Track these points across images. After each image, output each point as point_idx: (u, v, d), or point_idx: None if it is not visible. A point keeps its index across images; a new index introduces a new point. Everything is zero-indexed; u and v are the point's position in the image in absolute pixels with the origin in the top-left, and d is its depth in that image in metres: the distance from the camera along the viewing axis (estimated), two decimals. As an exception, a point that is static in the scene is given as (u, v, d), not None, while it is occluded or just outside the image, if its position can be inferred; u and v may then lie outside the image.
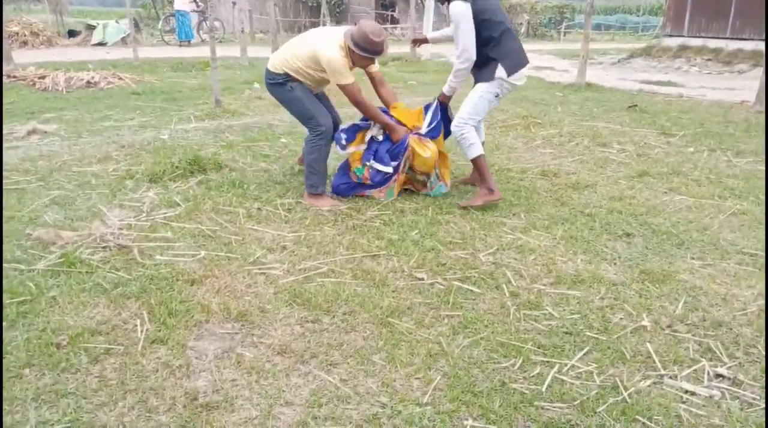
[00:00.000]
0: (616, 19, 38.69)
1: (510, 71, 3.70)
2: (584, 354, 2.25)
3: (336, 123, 4.06)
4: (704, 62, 13.36)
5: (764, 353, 2.27)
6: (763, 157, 5.11)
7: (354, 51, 3.60)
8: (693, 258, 3.13)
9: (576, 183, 4.38)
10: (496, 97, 3.80)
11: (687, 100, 8.69)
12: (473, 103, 3.81)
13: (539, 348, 2.29)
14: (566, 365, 2.18)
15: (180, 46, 16.56)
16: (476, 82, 3.86)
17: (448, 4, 3.68)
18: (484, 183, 3.85)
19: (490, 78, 3.73)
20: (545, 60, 16.19)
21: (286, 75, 3.73)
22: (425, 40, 4.47)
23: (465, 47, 3.61)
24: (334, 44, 3.61)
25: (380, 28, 3.64)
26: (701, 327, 2.46)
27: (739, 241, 3.34)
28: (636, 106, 7.77)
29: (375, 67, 3.90)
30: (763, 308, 2.59)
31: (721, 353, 2.27)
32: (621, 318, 2.51)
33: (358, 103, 3.76)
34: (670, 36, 14.83)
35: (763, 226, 3.55)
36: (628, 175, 4.62)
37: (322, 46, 3.59)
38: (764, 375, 2.14)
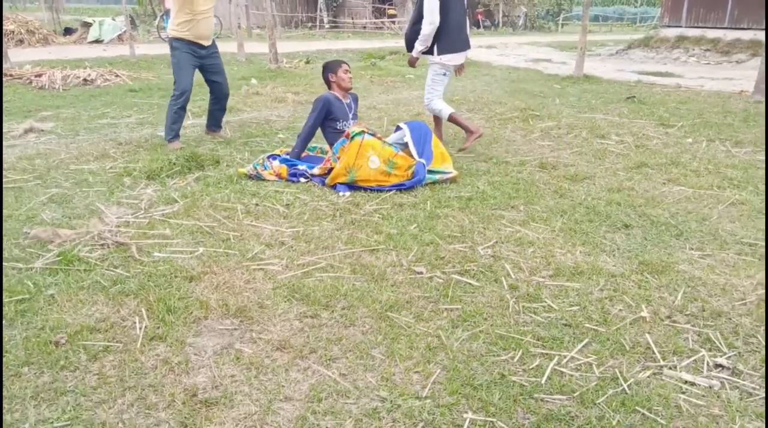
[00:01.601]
0: (613, 10, 38.62)
1: (442, 53, 4.89)
2: (583, 346, 2.25)
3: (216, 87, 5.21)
4: (702, 52, 13.33)
5: (764, 342, 2.27)
6: (763, 146, 5.10)
7: None
8: (692, 249, 3.12)
9: (574, 175, 4.37)
10: (444, 75, 5.05)
11: (685, 91, 8.67)
12: (430, 83, 5.09)
13: (538, 340, 2.29)
14: (565, 357, 2.18)
15: None
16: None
17: None
18: (466, 131, 4.96)
19: (432, 62, 5.00)
20: (543, 52, 16.16)
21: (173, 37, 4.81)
22: (416, 59, 5.20)
23: (431, 15, 4.65)
24: None
25: None
26: (700, 317, 2.46)
27: (738, 231, 3.34)
28: (634, 97, 7.76)
29: None
30: (763, 298, 2.58)
31: (720, 343, 2.27)
32: (620, 310, 2.51)
33: None
34: (668, 26, 14.80)
35: (763, 216, 3.55)
36: (626, 167, 4.62)
37: None
38: (764, 364, 2.14)
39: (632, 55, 14.60)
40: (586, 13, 10.07)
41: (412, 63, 5.20)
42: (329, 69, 4.46)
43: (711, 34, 13.60)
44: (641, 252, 3.06)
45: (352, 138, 3.96)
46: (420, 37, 4.80)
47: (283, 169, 4.22)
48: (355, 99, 4.68)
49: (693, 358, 2.19)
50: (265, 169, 4.21)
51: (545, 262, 2.96)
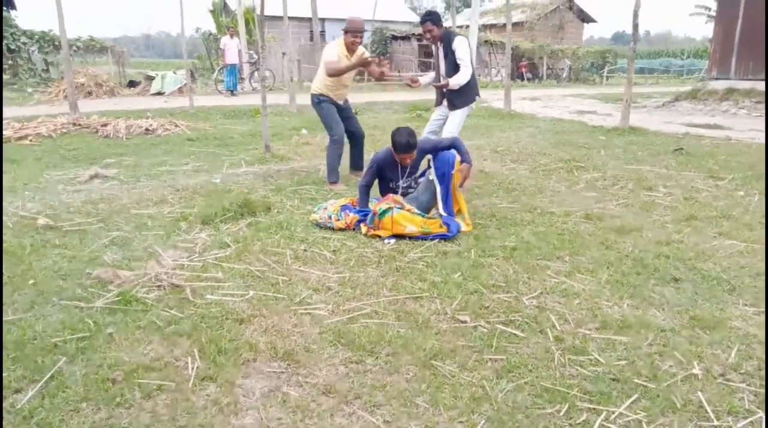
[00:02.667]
0: (659, 63, 38.46)
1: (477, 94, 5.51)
2: (632, 402, 2.21)
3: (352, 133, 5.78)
4: (753, 105, 13.09)
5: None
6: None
7: (344, 35, 5.31)
8: (746, 305, 3.04)
9: (621, 227, 4.33)
10: (467, 116, 5.54)
11: (735, 143, 8.52)
12: (458, 123, 5.41)
13: (585, 394, 2.26)
14: (613, 413, 2.14)
15: (231, 94, 17.17)
16: (454, 105, 5.38)
17: (441, 42, 5.25)
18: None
19: (468, 103, 5.41)
20: (587, 104, 16.16)
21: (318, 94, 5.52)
22: (418, 83, 5.51)
23: (470, 64, 5.21)
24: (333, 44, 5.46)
25: (357, 17, 5.44)
26: (756, 376, 2.38)
27: (794, 288, 3.23)
28: (682, 149, 7.67)
29: (362, 51, 5.52)
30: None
31: (777, 404, 2.19)
32: (670, 366, 2.46)
33: (334, 70, 5.26)
34: (717, 79, 14.65)
35: (821, 273, 3.43)
36: (675, 219, 4.55)
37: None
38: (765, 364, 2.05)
39: (679, 107, 14.44)
40: (631, 65, 10.10)
41: (442, 86, 5.36)
42: (395, 144, 4.35)
43: (761, 86, 13.37)
44: (692, 307, 3.00)
45: (381, 215, 4.04)
46: (463, 77, 5.18)
47: (354, 219, 4.28)
48: (414, 167, 4.61)
49: (750, 419, 2.12)
50: (340, 219, 4.29)
51: (591, 315, 2.93)
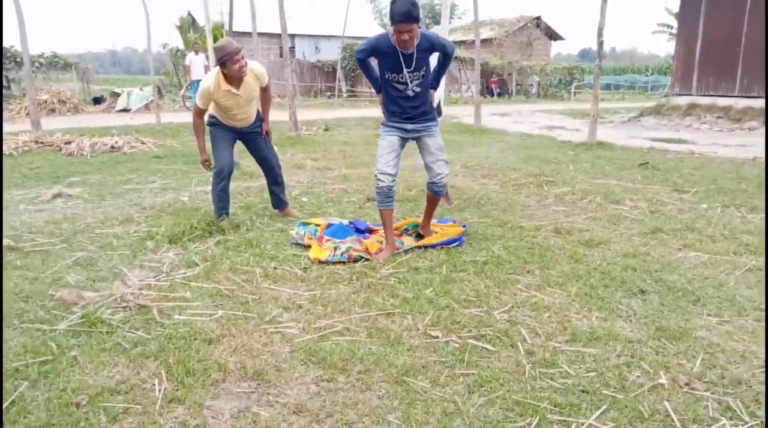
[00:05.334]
0: (625, 79, 39.44)
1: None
2: (601, 413, 2.23)
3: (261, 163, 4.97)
4: (714, 120, 13.50)
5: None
6: (778, 212, 5.11)
7: (223, 68, 4.26)
8: (710, 315, 3.11)
9: (589, 240, 4.40)
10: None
11: (699, 157, 8.76)
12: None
13: (555, 406, 2.27)
14: (583, 424, 2.16)
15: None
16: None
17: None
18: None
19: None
20: (556, 119, 16.47)
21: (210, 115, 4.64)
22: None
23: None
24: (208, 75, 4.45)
25: (225, 40, 4.30)
26: (720, 384, 2.43)
27: (756, 298, 3.32)
28: (648, 163, 7.85)
29: (255, 72, 4.46)
30: (784, 365, 2.55)
31: (741, 411, 2.24)
32: (638, 376, 2.49)
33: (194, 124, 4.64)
34: (679, 95, 15.08)
35: (780, 282, 3.53)
36: (641, 232, 4.64)
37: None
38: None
39: (645, 122, 14.82)
40: (597, 81, 10.35)
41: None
42: (391, 13, 3.52)
43: (722, 102, 13.82)
44: (658, 318, 3.05)
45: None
46: (437, 91, 4.26)
47: (325, 250, 3.97)
48: (421, 60, 3.82)
49: (714, 427, 2.15)
50: (313, 237, 4.15)
51: (561, 327, 2.96)
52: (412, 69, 3.75)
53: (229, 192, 4.74)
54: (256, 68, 4.50)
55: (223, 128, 4.68)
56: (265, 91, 4.76)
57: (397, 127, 4.00)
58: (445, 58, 3.98)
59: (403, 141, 4.07)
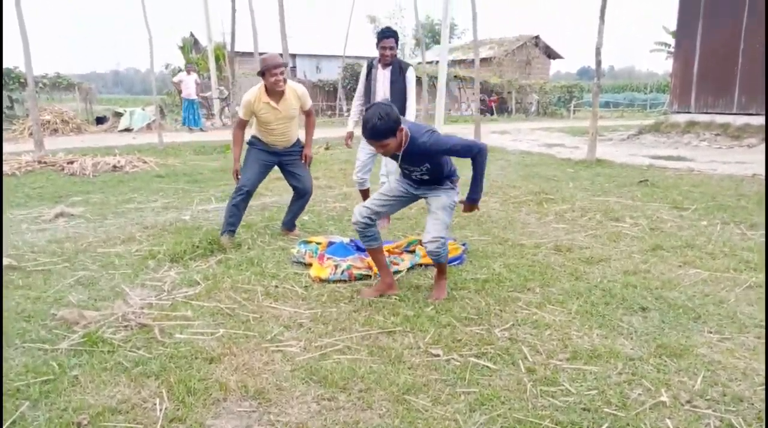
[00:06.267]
0: (624, 97, 39.64)
1: None
2: (603, 432, 2.23)
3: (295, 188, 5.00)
4: (713, 137, 13.56)
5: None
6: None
7: (262, 78, 4.47)
8: (710, 332, 3.11)
9: (590, 257, 4.41)
10: None
11: (698, 174, 8.79)
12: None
13: (557, 425, 2.27)
14: (585, 442, 2.15)
15: (190, 131, 16.96)
16: None
17: (390, 67, 5.01)
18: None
19: None
20: (555, 137, 16.55)
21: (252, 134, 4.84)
22: (352, 135, 5.34)
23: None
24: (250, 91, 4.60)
25: (272, 54, 4.52)
26: (722, 402, 2.42)
27: (756, 314, 3.32)
28: (647, 180, 7.88)
29: (296, 91, 4.63)
30: (785, 382, 2.55)
31: (743, 429, 2.23)
32: (639, 394, 2.49)
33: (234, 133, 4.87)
34: (678, 112, 15.17)
35: (781, 299, 3.53)
36: (641, 249, 4.65)
37: None
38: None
39: (643, 139, 14.89)
40: (596, 99, 10.44)
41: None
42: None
43: (720, 119, 13.89)
44: (659, 336, 3.05)
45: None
46: (412, 115, 4.92)
47: (326, 268, 3.98)
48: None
49: (716, 445, 2.15)
50: (314, 255, 4.17)
51: (562, 345, 2.96)
52: (408, 167, 3.53)
53: (242, 211, 4.79)
54: (298, 89, 4.68)
55: (262, 150, 4.80)
56: (308, 115, 4.94)
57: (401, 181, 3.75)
58: (474, 160, 3.51)
59: (408, 193, 3.72)
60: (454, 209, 3.64)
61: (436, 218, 3.51)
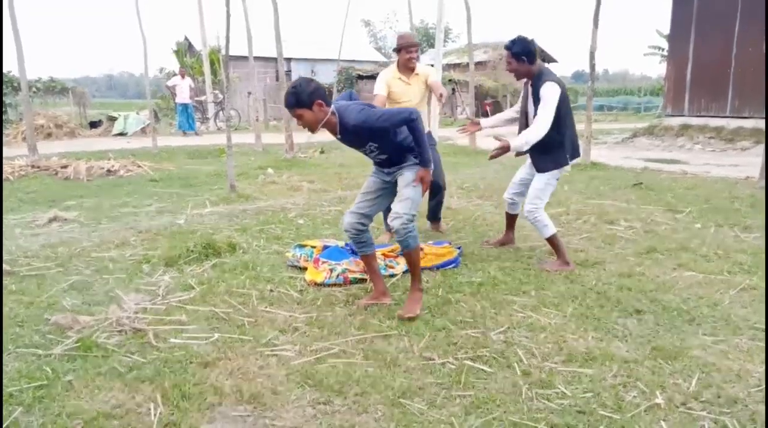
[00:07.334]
0: (618, 100, 39.78)
1: (571, 158, 4.31)
2: (599, 434, 2.23)
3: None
4: (707, 140, 13.63)
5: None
6: (771, 231, 5.15)
7: (398, 55, 4.96)
8: (705, 335, 3.12)
9: (585, 260, 4.42)
10: (556, 180, 4.39)
11: (692, 177, 8.83)
12: (542, 190, 4.29)
13: (552, 427, 2.27)
14: (581, 445, 2.15)
15: (184, 135, 16.91)
16: (539, 167, 4.28)
17: (531, 82, 4.17)
18: (560, 256, 4.29)
19: (555, 166, 4.23)
20: (550, 140, 16.57)
21: None
22: (478, 127, 4.75)
23: (547, 125, 3.98)
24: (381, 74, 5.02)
25: (409, 33, 4.81)
26: (716, 404, 2.43)
27: (750, 317, 3.33)
28: (641, 183, 7.90)
29: (426, 72, 5.01)
30: (779, 384, 2.56)
31: (738, 431, 2.24)
32: (634, 396, 2.49)
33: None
34: (672, 116, 15.24)
35: (775, 301, 3.55)
36: (636, 252, 4.67)
37: None
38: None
39: (638, 142, 14.95)
40: (590, 102, 10.48)
41: (498, 156, 4.21)
42: None
43: (714, 122, 13.97)
44: (654, 338, 3.06)
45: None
46: (529, 141, 4.03)
47: (321, 272, 3.99)
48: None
49: (711, 447, 2.15)
50: (309, 260, 4.17)
51: (557, 348, 2.96)
52: (358, 148, 3.55)
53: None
54: (427, 70, 5.08)
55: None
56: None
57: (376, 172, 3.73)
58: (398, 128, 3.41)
59: (385, 183, 3.65)
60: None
61: (400, 196, 3.43)
